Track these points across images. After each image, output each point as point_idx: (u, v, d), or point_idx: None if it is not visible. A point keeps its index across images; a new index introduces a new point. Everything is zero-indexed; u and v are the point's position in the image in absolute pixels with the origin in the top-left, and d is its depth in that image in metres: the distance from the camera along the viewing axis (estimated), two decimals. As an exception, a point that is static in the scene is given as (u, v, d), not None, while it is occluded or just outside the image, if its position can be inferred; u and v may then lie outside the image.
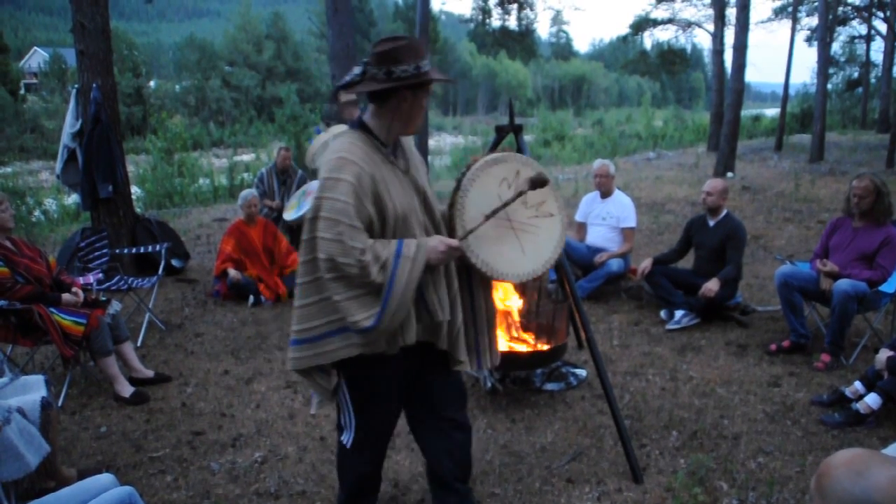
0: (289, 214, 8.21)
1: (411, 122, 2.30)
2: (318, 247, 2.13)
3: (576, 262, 6.14)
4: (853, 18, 30.71)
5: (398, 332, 2.28)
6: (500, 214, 2.44)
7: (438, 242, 2.26)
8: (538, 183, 2.44)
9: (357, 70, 2.24)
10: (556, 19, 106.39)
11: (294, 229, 8.21)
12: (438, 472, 2.65)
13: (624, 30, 30.85)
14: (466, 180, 2.43)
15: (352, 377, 2.41)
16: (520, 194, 2.43)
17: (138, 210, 9.05)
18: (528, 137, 27.96)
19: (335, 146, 2.22)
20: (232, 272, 6.16)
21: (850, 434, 3.59)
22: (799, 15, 26.84)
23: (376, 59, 2.18)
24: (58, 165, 6.90)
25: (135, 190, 11.86)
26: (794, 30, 22.70)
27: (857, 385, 3.81)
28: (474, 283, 2.55)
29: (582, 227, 6.40)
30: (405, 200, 2.29)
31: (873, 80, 34.17)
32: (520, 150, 3.59)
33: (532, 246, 2.56)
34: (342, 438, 2.55)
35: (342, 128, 7.22)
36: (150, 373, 4.46)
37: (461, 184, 2.44)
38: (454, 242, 2.30)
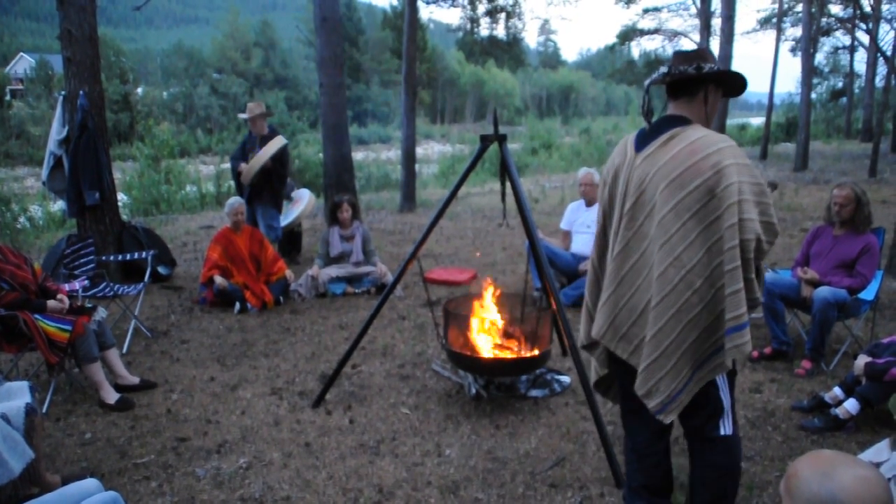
0: (276, 222, 8.22)
1: (711, 118, 2.44)
2: (745, 229, 2.23)
3: (560, 269, 6.19)
4: (837, 29, 31.17)
5: None
6: None
7: None
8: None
9: (663, 69, 2.36)
10: (544, 28, 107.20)
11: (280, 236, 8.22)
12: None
13: (611, 39, 31.20)
14: None
15: None
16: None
17: (125, 217, 9.02)
18: (515, 146, 28.06)
19: (710, 139, 2.26)
20: (218, 279, 6.16)
21: (830, 439, 3.64)
22: (783, 26, 27.18)
23: (683, 58, 2.34)
24: (44, 172, 6.88)
25: (121, 197, 11.82)
26: (778, 40, 23.05)
27: (837, 391, 3.86)
28: None
29: (567, 236, 6.45)
30: None
31: (857, 91, 34.66)
32: (503, 159, 3.63)
33: None
34: (723, 432, 2.42)
35: (279, 142, 7.10)
36: (135, 379, 4.45)
37: None
38: None
